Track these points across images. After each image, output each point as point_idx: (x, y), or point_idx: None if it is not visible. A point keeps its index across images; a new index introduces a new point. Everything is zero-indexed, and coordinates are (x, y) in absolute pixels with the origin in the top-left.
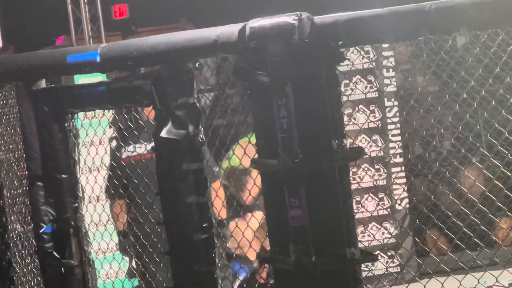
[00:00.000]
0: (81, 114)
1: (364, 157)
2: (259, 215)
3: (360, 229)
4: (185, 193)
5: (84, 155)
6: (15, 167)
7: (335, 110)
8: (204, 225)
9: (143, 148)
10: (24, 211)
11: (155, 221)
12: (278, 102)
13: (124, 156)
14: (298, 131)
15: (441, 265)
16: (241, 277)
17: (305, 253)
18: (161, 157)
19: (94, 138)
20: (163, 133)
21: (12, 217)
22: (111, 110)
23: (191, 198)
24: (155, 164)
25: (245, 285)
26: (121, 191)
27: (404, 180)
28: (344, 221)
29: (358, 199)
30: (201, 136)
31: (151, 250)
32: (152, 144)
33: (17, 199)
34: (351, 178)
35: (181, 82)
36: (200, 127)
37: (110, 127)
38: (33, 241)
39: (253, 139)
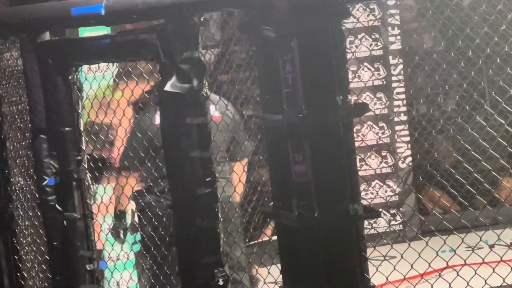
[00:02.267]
0: (85, 67)
1: (368, 114)
2: None
3: (363, 186)
4: (189, 147)
5: (87, 108)
6: (19, 120)
7: (340, 66)
8: (207, 180)
9: None
10: (27, 164)
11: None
12: (284, 57)
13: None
14: (303, 87)
15: (444, 222)
16: None
17: (308, 209)
18: (165, 111)
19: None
20: (167, 87)
21: (15, 170)
22: (115, 64)
23: (194, 152)
24: None
25: None
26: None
27: (408, 138)
28: (347, 177)
29: (362, 156)
30: (206, 90)
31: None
32: None
33: (20, 152)
34: (355, 135)
35: (186, 36)
36: (204, 82)
37: (114, 81)
38: (36, 193)
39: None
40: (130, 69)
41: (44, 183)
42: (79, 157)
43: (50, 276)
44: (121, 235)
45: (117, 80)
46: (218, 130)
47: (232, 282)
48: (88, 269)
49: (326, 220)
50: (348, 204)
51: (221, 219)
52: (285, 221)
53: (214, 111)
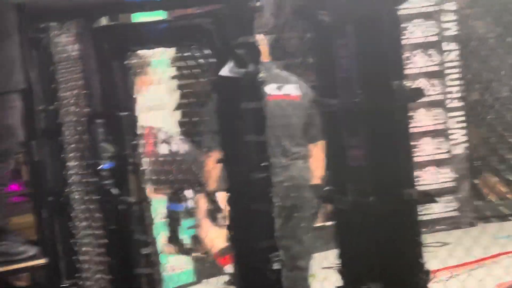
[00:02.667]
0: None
1: (423, 100)
2: None
3: (417, 172)
4: (244, 131)
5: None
6: (75, 105)
7: (395, 51)
8: (262, 164)
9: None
10: (83, 148)
11: None
12: (339, 41)
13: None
14: (358, 71)
15: (500, 208)
16: None
17: (363, 193)
18: (220, 95)
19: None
20: (223, 72)
21: (70, 154)
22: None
23: (250, 136)
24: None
25: None
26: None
27: (463, 125)
28: (403, 162)
29: (416, 142)
30: (261, 75)
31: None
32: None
33: (77, 136)
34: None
35: (241, 21)
36: (259, 66)
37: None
38: (92, 178)
39: None
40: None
41: (100, 167)
42: (135, 142)
43: (106, 260)
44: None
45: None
46: (299, 111)
47: (298, 269)
48: (144, 253)
49: (381, 205)
50: (403, 189)
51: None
52: (341, 205)
53: (294, 90)
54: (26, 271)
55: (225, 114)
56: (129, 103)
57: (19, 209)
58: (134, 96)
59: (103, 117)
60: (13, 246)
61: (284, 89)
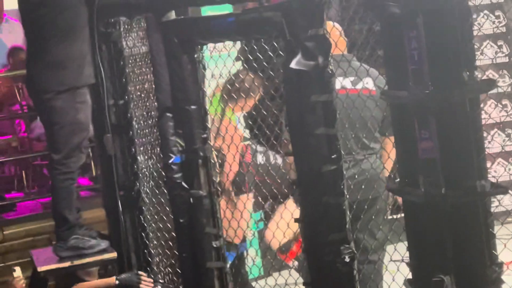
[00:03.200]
0: (210, 46)
1: (492, 92)
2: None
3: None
4: (314, 124)
5: (213, 87)
6: (145, 99)
7: (466, 42)
8: (333, 157)
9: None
10: (153, 142)
11: None
12: (409, 34)
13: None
14: (429, 63)
15: None
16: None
17: (434, 185)
18: (290, 88)
19: (223, 70)
20: (293, 64)
21: (141, 148)
22: (239, 42)
23: (320, 129)
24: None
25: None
26: None
27: None
28: (474, 153)
29: (485, 134)
30: (331, 67)
31: None
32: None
33: (146, 130)
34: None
35: (311, 13)
36: (329, 59)
37: (238, 59)
38: (162, 171)
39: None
40: (237, 85)
41: (170, 161)
42: (205, 135)
43: (177, 253)
44: None
45: (226, 97)
46: (377, 105)
47: (370, 262)
48: (214, 246)
49: (453, 197)
50: (475, 180)
51: (370, 197)
52: (412, 197)
53: (373, 84)
54: (97, 265)
55: (295, 107)
56: (198, 96)
57: (90, 203)
58: (204, 90)
59: (173, 111)
60: (84, 240)
61: (363, 83)
